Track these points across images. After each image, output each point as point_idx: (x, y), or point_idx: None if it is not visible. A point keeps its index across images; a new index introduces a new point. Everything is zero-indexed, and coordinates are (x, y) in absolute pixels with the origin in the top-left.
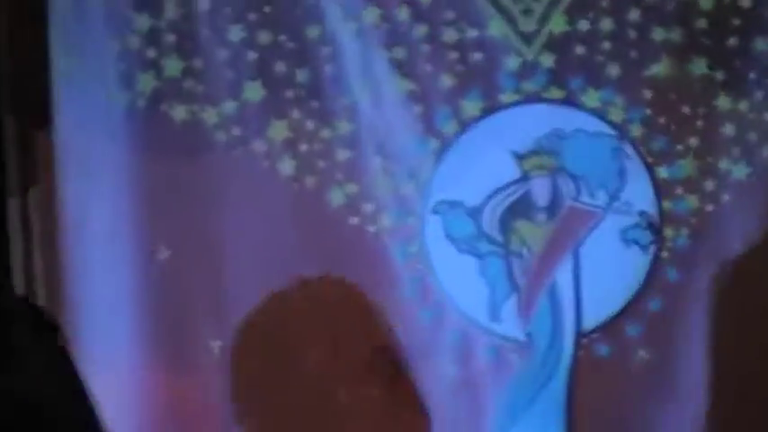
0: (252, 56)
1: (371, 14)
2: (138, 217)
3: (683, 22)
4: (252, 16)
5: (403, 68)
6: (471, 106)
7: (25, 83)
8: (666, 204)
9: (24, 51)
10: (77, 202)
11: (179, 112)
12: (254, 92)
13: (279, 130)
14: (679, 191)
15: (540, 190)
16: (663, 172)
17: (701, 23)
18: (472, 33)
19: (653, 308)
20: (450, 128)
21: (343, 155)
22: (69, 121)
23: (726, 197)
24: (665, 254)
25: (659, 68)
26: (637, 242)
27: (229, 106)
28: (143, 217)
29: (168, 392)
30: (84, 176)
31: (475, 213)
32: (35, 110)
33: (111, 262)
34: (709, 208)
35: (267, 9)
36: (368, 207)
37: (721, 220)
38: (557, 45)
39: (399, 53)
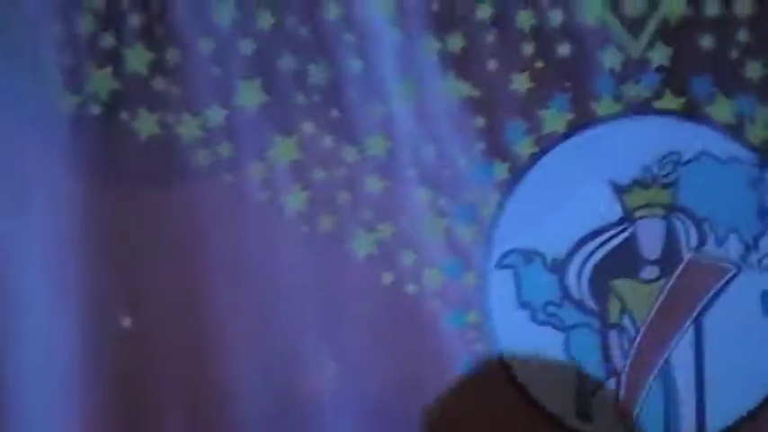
0: (247, 46)
1: None
2: (88, 268)
3: None
4: None
5: (459, 66)
6: (554, 119)
7: None
8: None
9: None
10: (8, 238)
11: (146, 123)
12: (250, 95)
13: (284, 150)
14: None
15: (649, 236)
16: None
17: None
18: (556, 18)
19: None
20: (524, 149)
21: (373, 185)
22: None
23: None
24: None
25: None
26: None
27: (215, 116)
28: (96, 268)
29: None
30: (17, 204)
31: (558, 269)
32: None
33: (49, 327)
34: None
35: None
36: (407, 259)
37: None
38: (673, 35)
39: (455, 43)
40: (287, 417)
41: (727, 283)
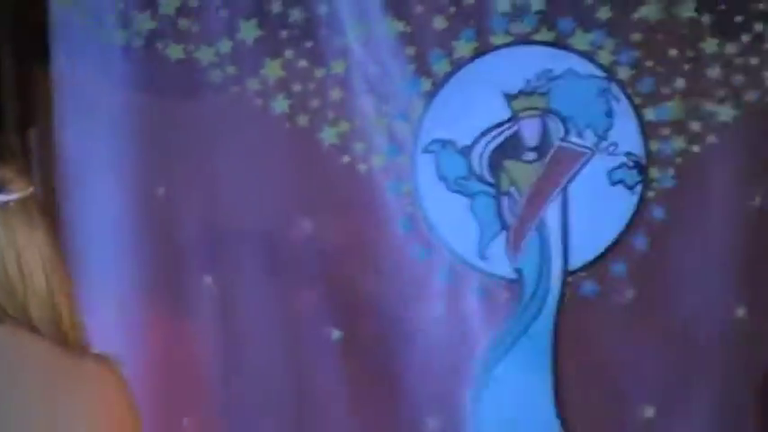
0: None
1: None
2: (135, 154)
3: None
4: None
5: (396, 10)
6: (463, 47)
7: (23, 22)
8: (653, 145)
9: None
10: (76, 141)
11: (175, 51)
12: (249, 31)
13: (273, 70)
14: (665, 132)
15: (530, 130)
16: (650, 114)
17: None
18: None
19: (639, 246)
20: (441, 68)
21: (335, 94)
22: (67, 60)
23: (712, 139)
24: (650, 194)
25: (648, 11)
26: (623, 182)
27: (224, 46)
28: (140, 154)
29: (160, 321)
30: (82, 114)
31: (466, 153)
32: (33, 48)
33: (109, 198)
34: (695, 149)
35: None
36: (360, 146)
37: (707, 161)
38: None
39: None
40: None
41: (584, 163)
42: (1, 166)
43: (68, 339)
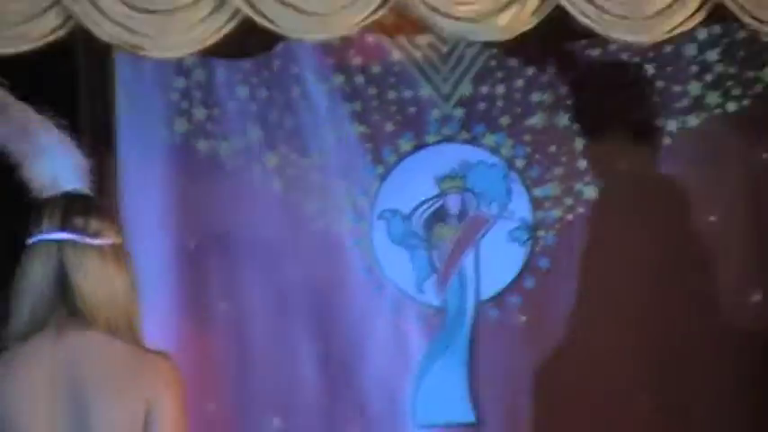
0: (253, 107)
1: (337, 79)
2: (175, 216)
3: (553, 88)
4: (253, 79)
5: (358, 117)
6: (406, 144)
7: (97, 126)
8: (539, 214)
9: (96, 107)
10: (134, 207)
11: (203, 146)
12: (254, 132)
13: (271, 160)
14: (548, 205)
15: (453, 203)
16: (537, 192)
17: (565, 90)
18: (408, 94)
19: (528, 285)
20: (391, 159)
21: (316, 177)
22: (129, 150)
23: (580, 210)
24: (537, 248)
25: (536, 120)
26: (518, 240)
27: (238, 141)
28: (179, 216)
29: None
30: (137, 187)
31: (407, 218)
32: (104, 138)
33: (155, 248)
34: (569, 217)
35: (265, 74)
36: (333, 215)
37: (577, 225)
38: (466, 103)
39: (356, 106)
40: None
41: (491, 226)
42: (100, 221)
43: (137, 340)
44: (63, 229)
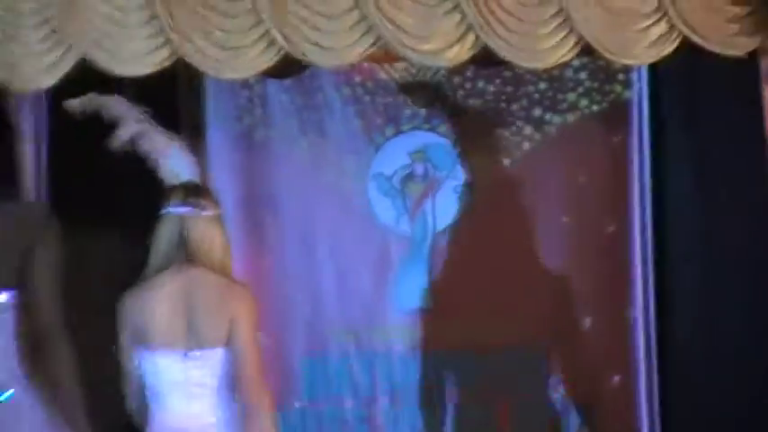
0: (291, 108)
1: (345, 90)
2: (240, 185)
3: (482, 96)
4: (291, 90)
5: (359, 114)
6: (389, 131)
7: (194, 126)
8: (471, 177)
9: (193, 114)
10: (219, 180)
11: (259, 135)
12: (292, 125)
13: (303, 144)
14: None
15: (419, 169)
16: (470, 162)
17: (489, 97)
18: (390, 99)
19: (464, 221)
20: (379, 140)
21: (332, 155)
22: (214, 140)
23: (498, 175)
24: (470, 199)
25: (470, 117)
26: (458, 193)
27: (281, 131)
28: (242, 185)
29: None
30: (220, 167)
31: (390, 179)
32: (198, 136)
33: (230, 212)
34: (491, 179)
35: (299, 87)
36: (343, 178)
37: (496, 184)
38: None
39: (357, 108)
40: None
41: (443, 183)
42: (206, 200)
43: (227, 275)
44: (183, 205)
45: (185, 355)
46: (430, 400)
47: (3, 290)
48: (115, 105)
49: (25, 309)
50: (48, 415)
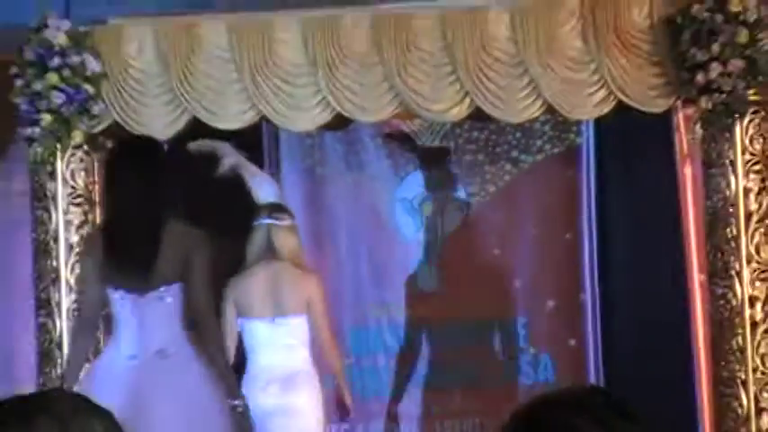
0: (340, 150)
1: (377, 139)
2: (305, 208)
3: (476, 142)
4: (341, 138)
5: (388, 156)
6: (410, 168)
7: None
8: (470, 198)
9: (271, 156)
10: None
11: (318, 170)
12: (340, 164)
13: (348, 177)
14: (474, 193)
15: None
16: (468, 188)
17: (479, 144)
18: (410, 145)
19: (464, 228)
20: (401, 174)
21: (368, 183)
22: (288, 174)
23: (487, 197)
24: (469, 212)
25: (469, 157)
26: (460, 209)
27: (333, 168)
28: (307, 208)
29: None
30: (291, 193)
31: (411, 201)
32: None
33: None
34: (484, 198)
35: (345, 137)
36: (377, 200)
37: (489, 202)
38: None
39: (386, 151)
40: None
41: (449, 202)
42: (285, 214)
43: (302, 266)
44: (269, 218)
45: (272, 320)
46: (437, 354)
47: (173, 283)
48: (221, 146)
49: (186, 298)
50: (203, 369)
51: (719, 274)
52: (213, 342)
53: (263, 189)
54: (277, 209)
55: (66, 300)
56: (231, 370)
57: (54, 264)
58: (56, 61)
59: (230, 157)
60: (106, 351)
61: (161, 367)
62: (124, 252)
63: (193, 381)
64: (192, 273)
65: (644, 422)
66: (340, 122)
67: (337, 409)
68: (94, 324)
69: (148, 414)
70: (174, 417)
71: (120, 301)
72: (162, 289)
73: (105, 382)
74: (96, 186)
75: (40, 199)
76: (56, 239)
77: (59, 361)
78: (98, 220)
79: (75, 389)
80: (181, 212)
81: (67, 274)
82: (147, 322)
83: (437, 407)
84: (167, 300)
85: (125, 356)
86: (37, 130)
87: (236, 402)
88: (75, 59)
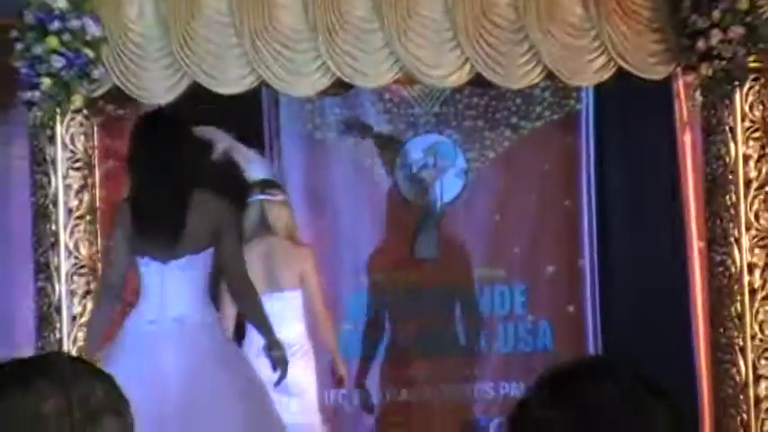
0: (343, 116)
1: (379, 104)
2: (305, 178)
3: (476, 108)
4: (344, 103)
5: (389, 120)
6: (410, 134)
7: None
8: (468, 164)
9: (271, 121)
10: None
11: (318, 135)
12: (341, 129)
13: (350, 141)
14: (472, 160)
15: (430, 161)
16: (467, 155)
17: (480, 111)
18: (410, 109)
19: (463, 196)
20: (403, 140)
21: (370, 145)
22: (287, 140)
23: (486, 162)
24: (468, 180)
25: (468, 123)
26: (459, 176)
27: (335, 134)
28: (307, 177)
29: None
30: (291, 157)
31: (411, 167)
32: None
33: (295, 197)
34: (484, 164)
35: (346, 101)
36: (377, 168)
37: (487, 169)
38: (437, 114)
39: (387, 115)
40: None
41: (447, 169)
42: (278, 189)
43: (295, 239)
44: (261, 194)
45: (270, 295)
46: (441, 316)
47: (199, 252)
48: (212, 132)
49: (220, 264)
50: (217, 341)
51: (718, 240)
52: (253, 300)
53: (255, 168)
54: (269, 185)
55: (65, 264)
56: (271, 327)
57: (53, 228)
58: (56, 25)
59: (223, 142)
60: (131, 315)
61: (176, 334)
62: (151, 221)
63: (203, 351)
64: (224, 240)
65: (671, 399)
66: (340, 88)
67: (333, 378)
68: (119, 292)
69: (162, 376)
70: (185, 382)
71: (145, 267)
72: (185, 259)
73: (127, 344)
74: (96, 151)
75: (40, 163)
76: (55, 203)
77: (58, 325)
78: (97, 185)
79: (99, 353)
80: (205, 182)
81: (66, 238)
82: (168, 289)
83: (430, 373)
84: (189, 270)
85: (146, 321)
86: (37, 93)
87: (276, 353)
88: (75, 23)
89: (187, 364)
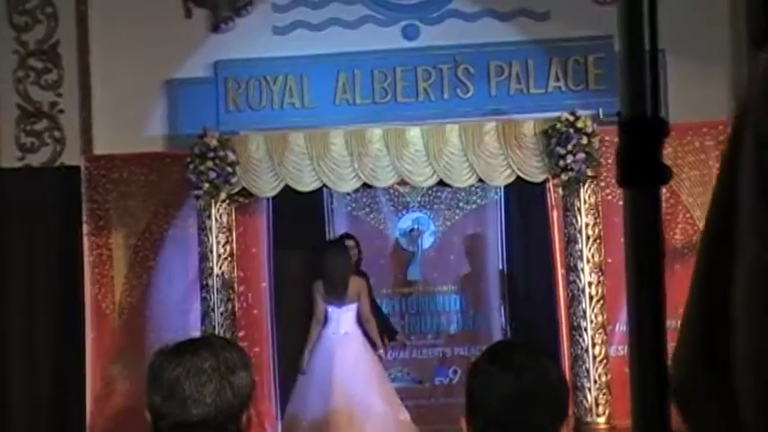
0: (364, 202)
1: (387, 193)
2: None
3: (454, 192)
4: (366, 194)
5: (390, 202)
6: (403, 212)
7: None
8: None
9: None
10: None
11: (347, 209)
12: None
13: (363, 211)
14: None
15: (415, 226)
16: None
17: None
18: (403, 201)
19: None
20: (399, 215)
21: (376, 215)
22: (337, 212)
23: (456, 219)
24: (437, 237)
25: (443, 205)
26: (431, 235)
27: (361, 212)
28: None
29: None
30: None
31: (403, 230)
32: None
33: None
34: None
35: (368, 193)
36: (383, 226)
37: (446, 235)
38: (420, 202)
39: (388, 203)
40: None
41: (424, 232)
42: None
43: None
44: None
45: (340, 306)
46: (422, 311)
47: (353, 303)
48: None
49: (360, 309)
50: (366, 346)
51: (572, 269)
52: (376, 325)
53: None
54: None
55: (214, 287)
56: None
57: (210, 265)
58: (211, 154)
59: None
60: (322, 331)
61: (345, 341)
62: (334, 288)
63: (362, 350)
64: (362, 298)
65: (553, 357)
66: (365, 187)
67: (375, 352)
68: (321, 322)
69: (339, 364)
70: (353, 368)
71: (329, 307)
72: (348, 304)
73: (319, 347)
74: (234, 224)
75: (203, 229)
76: (211, 251)
77: (219, 320)
78: (234, 241)
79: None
80: (351, 268)
81: (217, 270)
82: (341, 319)
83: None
84: (350, 310)
85: (330, 333)
86: (201, 192)
87: (381, 352)
88: (221, 153)
89: (351, 357)
